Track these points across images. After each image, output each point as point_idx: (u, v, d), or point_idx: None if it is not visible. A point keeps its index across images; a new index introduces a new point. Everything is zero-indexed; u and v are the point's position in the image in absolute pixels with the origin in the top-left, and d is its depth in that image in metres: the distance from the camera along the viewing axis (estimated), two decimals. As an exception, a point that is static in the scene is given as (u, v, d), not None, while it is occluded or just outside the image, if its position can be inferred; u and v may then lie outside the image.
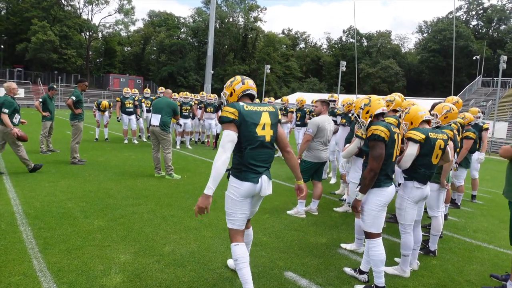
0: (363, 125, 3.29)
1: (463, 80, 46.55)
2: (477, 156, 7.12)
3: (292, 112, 10.65)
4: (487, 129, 7.16)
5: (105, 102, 11.94)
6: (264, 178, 2.82)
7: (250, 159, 2.76)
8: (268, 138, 2.81)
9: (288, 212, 5.39)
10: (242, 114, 2.69)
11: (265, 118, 2.80)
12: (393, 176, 3.70)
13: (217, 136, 11.73)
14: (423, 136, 3.42)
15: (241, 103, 2.76)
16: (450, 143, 3.95)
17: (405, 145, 3.51)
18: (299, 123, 10.33)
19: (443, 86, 50.13)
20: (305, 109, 10.33)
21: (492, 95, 31.91)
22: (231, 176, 2.86)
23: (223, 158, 2.63)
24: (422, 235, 4.86)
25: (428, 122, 3.61)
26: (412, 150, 3.41)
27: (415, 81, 55.86)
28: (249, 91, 2.92)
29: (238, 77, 2.97)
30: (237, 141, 2.72)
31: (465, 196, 7.49)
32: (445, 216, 5.81)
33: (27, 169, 6.75)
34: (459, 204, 6.79)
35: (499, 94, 24.88)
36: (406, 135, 3.53)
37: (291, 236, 4.47)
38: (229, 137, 2.66)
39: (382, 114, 3.32)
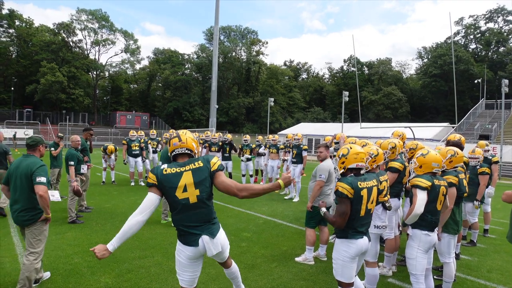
0: (338, 172, 3.29)
1: (467, 103, 46.67)
2: (487, 190, 7.05)
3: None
4: (497, 162, 7.11)
5: (111, 147, 12.12)
6: (205, 238, 2.72)
7: (179, 223, 2.73)
8: (192, 199, 2.67)
9: (296, 259, 5.31)
10: (159, 179, 2.66)
11: (186, 179, 2.67)
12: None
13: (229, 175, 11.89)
14: (429, 184, 3.47)
15: (161, 167, 2.72)
16: (452, 190, 3.94)
17: (413, 193, 3.51)
18: (295, 160, 10.10)
19: (447, 110, 50.25)
20: (301, 146, 10.06)
21: (496, 117, 31.82)
22: (178, 239, 2.84)
23: (136, 219, 2.60)
24: (435, 278, 4.76)
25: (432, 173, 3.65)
26: (422, 195, 3.45)
27: (419, 106, 56.08)
28: (174, 152, 2.81)
29: (170, 137, 2.90)
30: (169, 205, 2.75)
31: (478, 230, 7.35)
32: (457, 255, 5.69)
33: (67, 220, 6.97)
34: (475, 241, 6.64)
35: (503, 117, 24.84)
36: (411, 182, 3.56)
37: (300, 287, 4.39)
38: (148, 200, 2.65)
39: (357, 169, 3.23)
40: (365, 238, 3.22)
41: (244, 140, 11.94)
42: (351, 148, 3.22)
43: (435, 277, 4.83)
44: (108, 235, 6.25)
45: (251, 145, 11.94)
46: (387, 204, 3.75)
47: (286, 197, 10.50)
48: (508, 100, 31.88)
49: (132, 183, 11.89)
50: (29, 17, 50.31)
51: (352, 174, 3.19)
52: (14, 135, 30.67)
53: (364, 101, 53.43)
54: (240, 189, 2.72)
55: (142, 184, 11.89)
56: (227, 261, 3.16)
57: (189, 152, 2.80)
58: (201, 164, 2.72)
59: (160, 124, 51.52)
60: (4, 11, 45.80)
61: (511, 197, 3.37)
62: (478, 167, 6.20)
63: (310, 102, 63.42)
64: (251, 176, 11.94)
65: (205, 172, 2.71)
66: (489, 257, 5.93)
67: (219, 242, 2.82)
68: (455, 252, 5.72)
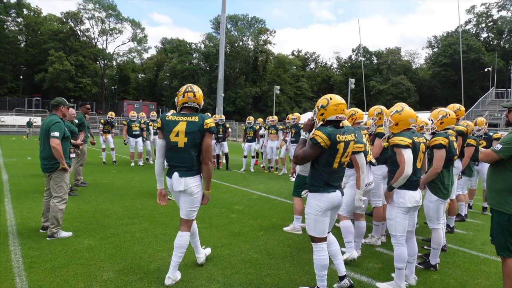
0: (316, 124, 3.15)
1: (477, 92, 45.85)
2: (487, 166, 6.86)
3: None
4: (498, 139, 6.89)
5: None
6: (175, 174, 3.28)
7: (168, 159, 3.34)
8: (181, 144, 3.23)
9: (285, 228, 5.25)
10: (163, 122, 3.29)
11: (180, 127, 3.21)
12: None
13: (217, 157, 11.81)
14: (410, 141, 3.33)
15: (169, 113, 3.31)
16: (441, 151, 3.81)
17: (396, 152, 3.38)
18: (293, 139, 10.04)
19: (456, 99, 49.25)
20: (299, 125, 9.95)
21: (507, 107, 31.22)
22: None
23: (158, 161, 3.39)
24: (424, 248, 4.67)
25: (409, 129, 3.51)
26: (408, 154, 3.31)
27: (428, 96, 55.28)
28: (187, 104, 3.31)
29: (183, 88, 3.35)
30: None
31: (476, 208, 7.22)
32: (452, 229, 5.57)
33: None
34: (463, 214, 6.46)
35: (513, 106, 24.33)
36: (391, 141, 3.42)
37: (283, 252, 4.33)
38: (159, 144, 3.34)
39: (337, 121, 3.11)
40: (338, 192, 3.12)
41: (248, 122, 11.76)
42: (331, 99, 3.07)
43: (425, 247, 4.73)
44: (100, 205, 6.26)
45: (254, 127, 11.75)
46: (373, 161, 3.64)
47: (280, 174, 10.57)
48: (518, 89, 31.18)
49: (132, 164, 11.88)
50: (37, 6, 50.73)
51: (332, 126, 3.08)
52: (29, 123, 30.55)
53: (372, 91, 52.83)
54: (209, 160, 3.32)
55: (141, 164, 11.90)
56: (188, 223, 3.42)
57: (197, 106, 3.35)
58: (197, 119, 3.23)
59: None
60: (13, 0, 46.03)
61: (489, 156, 3.30)
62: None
63: (317, 92, 62.85)
64: (253, 157, 11.82)
65: (197, 126, 3.20)
66: (485, 232, 5.77)
67: (183, 183, 3.26)
68: (449, 225, 5.60)
